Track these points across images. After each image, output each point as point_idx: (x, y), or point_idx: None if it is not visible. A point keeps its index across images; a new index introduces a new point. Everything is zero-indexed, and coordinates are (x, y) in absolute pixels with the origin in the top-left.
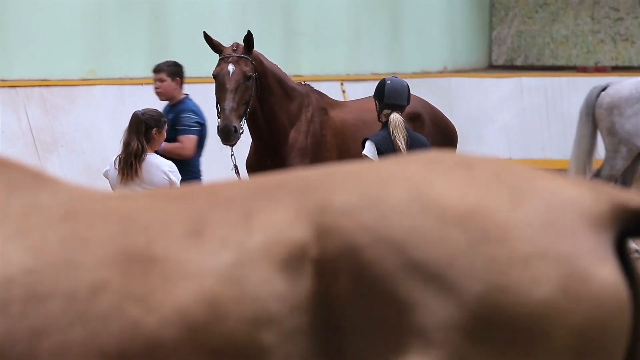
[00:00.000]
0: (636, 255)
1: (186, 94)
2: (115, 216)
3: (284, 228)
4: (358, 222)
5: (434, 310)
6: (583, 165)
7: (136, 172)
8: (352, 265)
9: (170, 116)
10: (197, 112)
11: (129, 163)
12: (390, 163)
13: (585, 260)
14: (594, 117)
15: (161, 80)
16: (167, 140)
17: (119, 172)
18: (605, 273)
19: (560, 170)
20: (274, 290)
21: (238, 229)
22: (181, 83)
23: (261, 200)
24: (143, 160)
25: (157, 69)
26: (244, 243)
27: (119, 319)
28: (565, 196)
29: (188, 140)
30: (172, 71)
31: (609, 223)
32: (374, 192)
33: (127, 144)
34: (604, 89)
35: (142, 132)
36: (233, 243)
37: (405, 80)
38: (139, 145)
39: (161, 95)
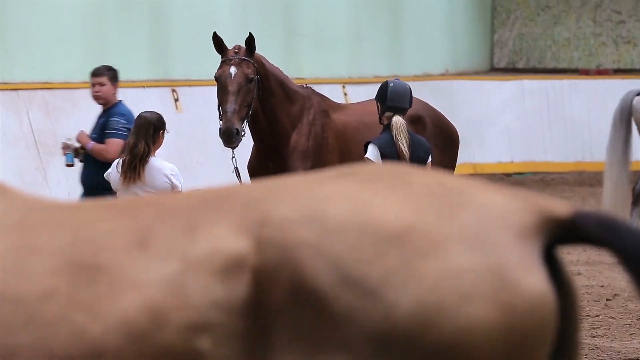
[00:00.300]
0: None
1: (120, 100)
2: (64, 227)
3: (225, 239)
4: (298, 236)
5: (366, 325)
6: (619, 170)
7: (139, 175)
8: (290, 277)
9: (102, 120)
10: (127, 117)
11: (133, 165)
12: (332, 179)
13: (514, 271)
14: (629, 122)
15: (101, 84)
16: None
17: (121, 175)
18: (534, 283)
19: (561, 172)
20: (212, 298)
21: (182, 240)
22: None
23: (205, 212)
24: (147, 162)
25: (98, 73)
26: (187, 253)
27: (66, 326)
28: (496, 208)
29: (113, 144)
30: (113, 75)
31: (537, 232)
32: (315, 208)
33: (133, 146)
34: (639, 93)
35: (150, 134)
36: (176, 253)
37: (407, 83)
38: (145, 148)
39: (99, 99)
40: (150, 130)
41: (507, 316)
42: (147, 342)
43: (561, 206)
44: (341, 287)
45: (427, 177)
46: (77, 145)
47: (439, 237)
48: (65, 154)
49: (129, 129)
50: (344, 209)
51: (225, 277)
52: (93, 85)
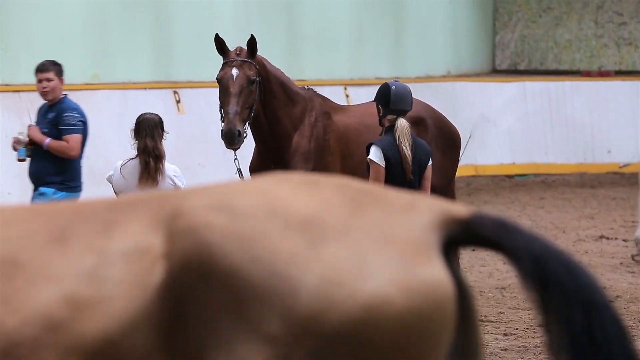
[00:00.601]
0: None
1: (65, 94)
2: None
3: (139, 234)
4: (208, 222)
5: (273, 303)
6: None
7: (161, 176)
8: (201, 261)
9: (51, 115)
10: (79, 111)
11: (156, 167)
12: (241, 182)
13: (415, 259)
14: None
15: (48, 80)
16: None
17: (141, 176)
18: (432, 271)
19: (563, 174)
20: (127, 289)
21: (99, 237)
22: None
23: (122, 211)
24: (163, 162)
25: (44, 68)
26: (104, 248)
27: None
28: (400, 206)
29: (74, 140)
30: (59, 70)
31: (437, 229)
32: (225, 199)
33: (152, 148)
34: None
35: (160, 133)
36: (94, 249)
37: (406, 84)
38: (157, 148)
39: (47, 95)
40: (159, 130)
41: (406, 298)
42: (64, 333)
43: (460, 208)
44: (250, 267)
45: (334, 179)
46: (27, 140)
47: (344, 226)
48: (17, 149)
49: (83, 123)
50: (253, 199)
51: (139, 269)
52: (40, 81)
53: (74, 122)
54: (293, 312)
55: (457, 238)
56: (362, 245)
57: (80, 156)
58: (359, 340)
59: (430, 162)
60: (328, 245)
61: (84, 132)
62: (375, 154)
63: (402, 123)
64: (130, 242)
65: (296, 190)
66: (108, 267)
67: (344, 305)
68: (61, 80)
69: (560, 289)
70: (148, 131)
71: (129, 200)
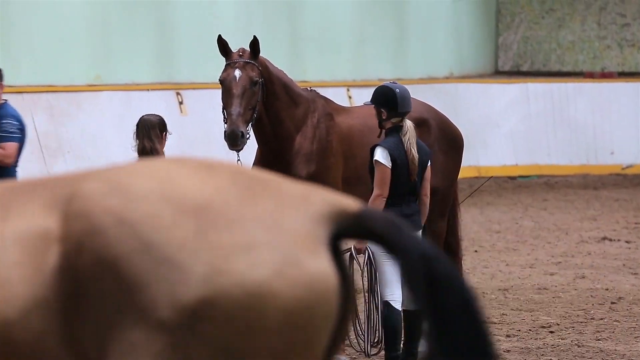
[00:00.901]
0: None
1: (5, 100)
2: None
3: (34, 216)
4: (103, 205)
5: (162, 289)
6: None
7: None
8: (94, 245)
9: None
10: (18, 118)
11: None
12: (140, 163)
13: (301, 251)
14: None
15: None
16: None
17: None
18: (318, 263)
19: (565, 175)
20: (22, 273)
21: None
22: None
23: (20, 195)
24: None
25: None
26: (1, 233)
27: None
28: (292, 197)
29: (10, 147)
30: (0, 75)
31: (326, 223)
32: (121, 181)
33: (143, 149)
34: None
35: (157, 135)
36: None
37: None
38: (154, 149)
39: None
40: (157, 131)
41: (290, 289)
42: None
43: (351, 202)
44: (140, 253)
45: (229, 165)
46: None
47: (236, 214)
48: None
49: (21, 130)
50: (148, 182)
51: (34, 252)
52: None
53: (11, 130)
54: (183, 298)
55: (346, 231)
56: (253, 235)
57: (15, 164)
58: (248, 326)
59: (429, 163)
60: (219, 233)
61: (21, 140)
62: (381, 155)
63: (410, 125)
64: (25, 225)
65: (192, 175)
66: (2, 251)
67: (233, 293)
68: (1, 86)
69: (443, 287)
70: (145, 132)
71: (29, 184)
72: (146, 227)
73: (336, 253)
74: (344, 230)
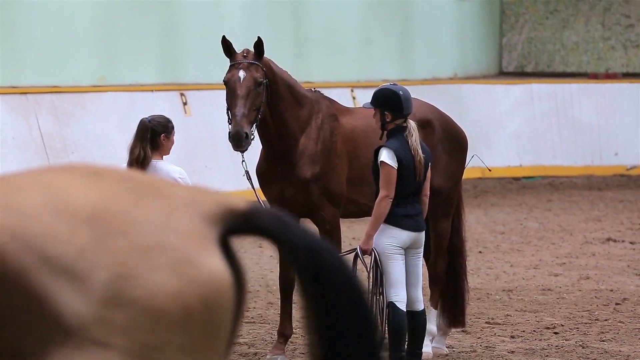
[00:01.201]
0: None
1: None
2: None
3: None
4: None
5: (67, 299)
6: None
7: None
8: None
9: None
10: None
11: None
12: (29, 173)
13: (195, 251)
14: None
15: None
16: None
17: None
18: (212, 261)
19: (570, 176)
20: None
21: None
22: None
23: None
24: (146, 166)
25: None
26: None
27: None
28: (181, 198)
29: None
30: None
31: (216, 222)
32: (12, 199)
33: (131, 151)
34: None
35: (147, 139)
36: None
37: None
38: (142, 152)
39: None
40: (147, 135)
41: (189, 287)
42: None
43: (238, 201)
44: (40, 266)
45: (117, 170)
46: None
47: (129, 219)
48: None
49: None
50: (39, 197)
51: None
52: None
53: None
54: (87, 307)
55: (235, 229)
56: (148, 237)
57: None
58: (152, 328)
59: (430, 163)
60: (115, 238)
61: None
62: (387, 156)
63: (413, 125)
64: None
65: (81, 183)
66: None
67: (134, 296)
68: None
69: (331, 280)
70: (137, 135)
71: None
72: (42, 241)
73: (227, 250)
74: (233, 229)
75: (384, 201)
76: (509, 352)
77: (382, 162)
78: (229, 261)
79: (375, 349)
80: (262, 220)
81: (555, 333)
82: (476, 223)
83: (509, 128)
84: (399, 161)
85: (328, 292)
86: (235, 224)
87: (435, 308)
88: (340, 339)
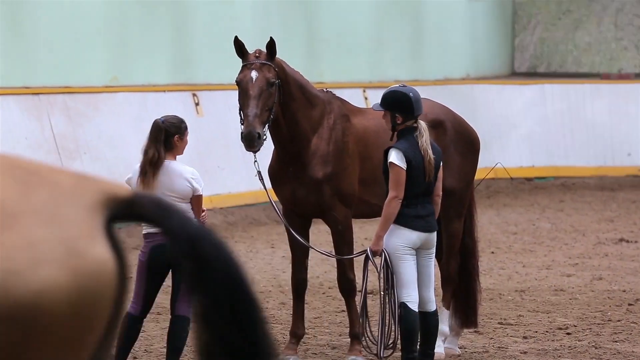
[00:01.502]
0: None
1: None
2: None
3: None
4: None
5: None
6: None
7: (152, 179)
8: None
9: None
10: None
11: (145, 170)
12: None
13: (82, 241)
14: None
15: None
16: None
17: (139, 178)
18: (98, 250)
19: (582, 177)
20: None
21: None
22: None
23: None
24: (159, 167)
25: None
26: None
27: None
28: (66, 187)
29: None
30: None
31: (101, 208)
32: None
33: (145, 152)
34: None
35: (161, 140)
36: None
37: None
38: (156, 153)
39: None
40: (161, 136)
41: (75, 279)
42: None
43: (122, 188)
44: None
45: (5, 159)
46: None
47: (15, 211)
48: None
49: None
50: None
51: None
52: None
53: None
54: None
55: (119, 216)
56: (32, 230)
57: None
58: (34, 323)
59: (440, 163)
60: (2, 232)
61: None
62: (396, 157)
63: (424, 126)
64: None
65: None
66: None
67: (18, 292)
68: None
69: (211, 267)
70: (151, 137)
71: None
72: None
73: (111, 237)
74: (117, 215)
75: (393, 202)
76: (521, 353)
77: (391, 163)
78: (113, 248)
79: (259, 338)
80: (144, 207)
81: (568, 334)
82: (488, 223)
83: (521, 129)
84: (408, 162)
85: (209, 280)
86: (118, 211)
87: (448, 309)
88: (223, 327)
